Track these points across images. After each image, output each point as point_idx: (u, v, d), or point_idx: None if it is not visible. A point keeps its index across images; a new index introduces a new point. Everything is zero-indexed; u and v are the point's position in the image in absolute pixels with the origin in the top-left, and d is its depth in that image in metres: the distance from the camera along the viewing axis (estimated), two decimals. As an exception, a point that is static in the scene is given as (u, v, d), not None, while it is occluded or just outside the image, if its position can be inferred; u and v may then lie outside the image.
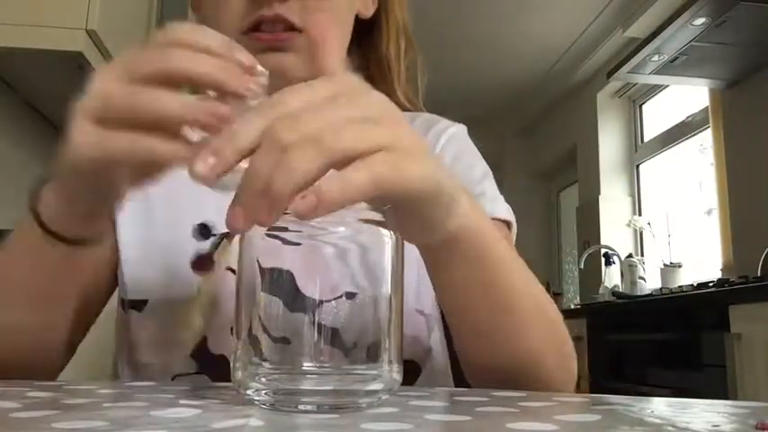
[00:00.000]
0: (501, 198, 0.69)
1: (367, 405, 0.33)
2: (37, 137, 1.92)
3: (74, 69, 1.55)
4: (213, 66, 0.34)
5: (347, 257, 0.34)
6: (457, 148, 0.72)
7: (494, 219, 0.65)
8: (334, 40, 0.63)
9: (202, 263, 0.36)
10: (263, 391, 0.33)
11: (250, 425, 0.28)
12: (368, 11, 0.69)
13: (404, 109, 0.75)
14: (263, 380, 0.33)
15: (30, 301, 0.48)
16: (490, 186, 0.69)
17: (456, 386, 0.69)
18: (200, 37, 0.35)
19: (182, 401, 0.35)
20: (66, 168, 0.38)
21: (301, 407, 0.32)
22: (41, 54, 1.47)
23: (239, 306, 0.35)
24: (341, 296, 0.34)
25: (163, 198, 0.63)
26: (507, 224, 0.67)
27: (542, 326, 0.50)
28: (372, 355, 0.34)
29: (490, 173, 0.72)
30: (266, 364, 0.33)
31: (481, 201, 0.66)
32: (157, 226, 0.63)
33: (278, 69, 0.59)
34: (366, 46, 0.73)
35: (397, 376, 0.34)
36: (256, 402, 0.33)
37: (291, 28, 0.58)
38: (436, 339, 0.67)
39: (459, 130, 0.75)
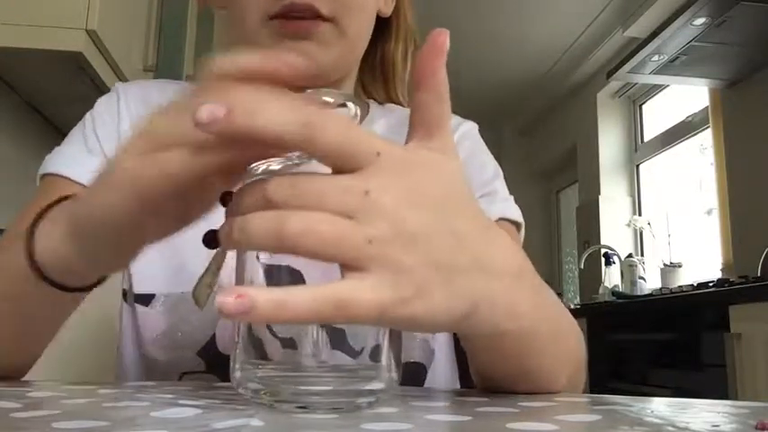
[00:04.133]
0: (511, 199, 0.69)
1: (367, 405, 0.33)
2: (37, 137, 1.92)
3: (74, 69, 1.55)
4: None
5: None
6: (470, 146, 0.72)
7: (504, 219, 0.65)
8: (359, 33, 0.62)
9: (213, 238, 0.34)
10: (263, 391, 0.33)
11: (250, 425, 0.28)
12: (388, 9, 0.69)
13: (398, 104, 0.76)
14: (264, 379, 0.33)
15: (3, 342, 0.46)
16: (501, 187, 0.69)
17: (462, 384, 0.69)
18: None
19: (182, 401, 0.35)
20: (106, 204, 0.33)
21: (301, 406, 0.32)
22: (41, 54, 1.47)
23: None
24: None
25: None
26: (517, 225, 0.67)
27: (566, 372, 0.47)
28: (372, 354, 0.34)
29: (501, 173, 0.72)
30: (266, 364, 0.33)
31: (492, 200, 0.66)
32: None
33: (303, 55, 0.59)
34: (373, 44, 0.73)
35: (396, 376, 0.34)
36: (255, 402, 0.33)
37: (319, 16, 0.57)
38: (443, 341, 0.67)
39: (472, 127, 0.75)
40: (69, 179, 0.59)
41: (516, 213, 0.67)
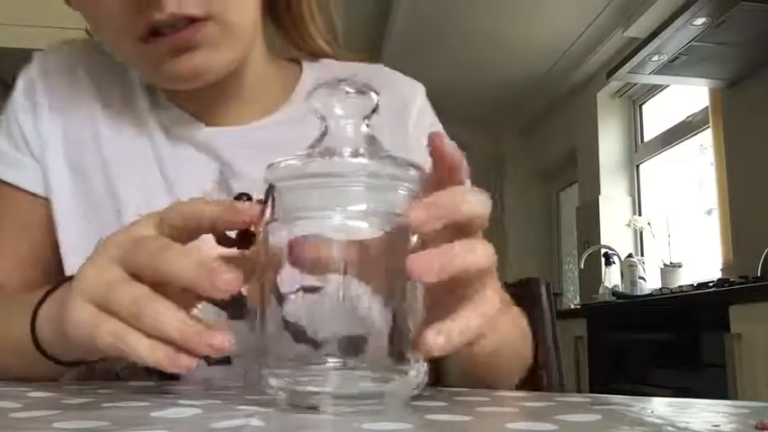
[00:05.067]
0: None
1: (389, 406, 0.33)
2: (37, 137, 1.91)
3: (74, 69, 1.55)
4: (193, 273, 0.34)
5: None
6: (430, 125, 0.69)
7: None
8: (246, 14, 0.54)
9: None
10: (285, 390, 0.33)
11: (250, 425, 0.28)
12: None
13: (324, 55, 0.70)
14: (287, 379, 0.33)
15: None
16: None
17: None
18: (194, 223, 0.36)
19: (182, 401, 0.35)
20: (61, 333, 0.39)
21: (315, 407, 0.32)
22: (41, 54, 1.47)
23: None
24: (298, 290, 0.34)
25: (107, 199, 0.60)
26: None
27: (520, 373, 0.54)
28: (395, 357, 0.33)
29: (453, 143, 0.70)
30: (290, 364, 0.33)
31: None
32: (108, 226, 0.52)
33: (193, 72, 0.53)
34: None
35: (423, 378, 0.34)
36: (279, 400, 0.33)
37: (193, 19, 0.49)
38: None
39: (424, 98, 0.70)
40: (11, 186, 0.61)
41: None
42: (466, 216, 0.33)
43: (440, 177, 0.36)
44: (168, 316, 0.34)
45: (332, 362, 0.33)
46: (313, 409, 0.32)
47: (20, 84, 0.64)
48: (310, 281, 0.34)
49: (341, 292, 0.33)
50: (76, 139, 0.61)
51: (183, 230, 0.37)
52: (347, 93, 0.35)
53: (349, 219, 0.33)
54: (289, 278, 0.34)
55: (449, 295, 0.34)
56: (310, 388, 0.32)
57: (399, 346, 0.34)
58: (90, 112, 0.62)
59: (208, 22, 0.50)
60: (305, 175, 0.33)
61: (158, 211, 0.38)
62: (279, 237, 0.34)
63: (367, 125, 0.36)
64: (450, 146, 0.36)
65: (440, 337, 0.32)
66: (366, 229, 0.33)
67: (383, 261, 0.34)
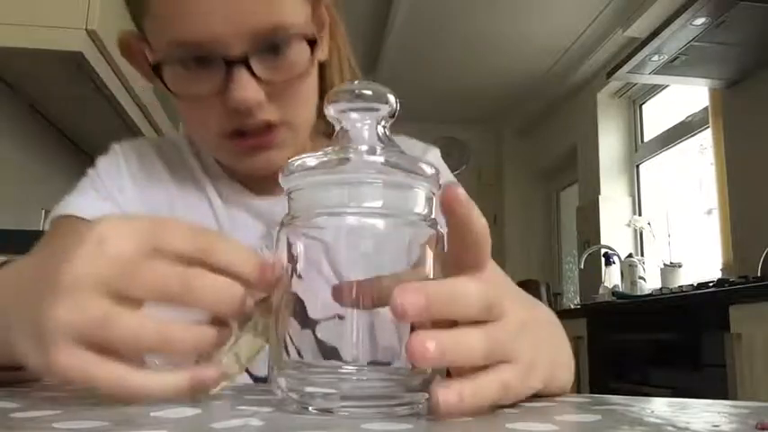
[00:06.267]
0: None
1: (401, 412, 0.32)
2: (37, 137, 1.92)
3: (74, 69, 1.55)
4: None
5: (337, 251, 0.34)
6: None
7: None
8: (311, 111, 0.64)
9: None
10: (297, 393, 0.32)
11: (250, 425, 0.28)
12: (324, 55, 0.69)
13: None
14: (300, 381, 0.32)
15: None
16: None
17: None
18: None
19: (182, 401, 0.35)
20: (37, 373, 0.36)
21: (343, 412, 0.31)
22: (41, 54, 1.47)
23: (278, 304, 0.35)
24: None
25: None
26: None
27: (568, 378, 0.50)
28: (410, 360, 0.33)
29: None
30: (305, 366, 0.33)
31: None
32: None
33: (266, 167, 0.63)
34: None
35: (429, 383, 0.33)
36: (295, 401, 0.33)
37: (270, 124, 0.60)
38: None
39: (436, 155, 0.76)
40: (85, 219, 0.63)
41: None
42: (458, 314, 0.32)
43: (458, 256, 0.34)
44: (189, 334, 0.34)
45: (344, 365, 0.32)
46: (322, 410, 0.32)
47: (101, 161, 0.71)
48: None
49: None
50: (154, 209, 0.68)
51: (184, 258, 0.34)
52: (364, 96, 0.35)
53: (365, 216, 0.33)
54: (300, 284, 0.34)
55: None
56: (321, 389, 0.32)
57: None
58: (165, 188, 0.70)
59: (281, 127, 0.60)
60: (320, 173, 0.33)
61: (148, 230, 0.34)
62: (294, 239, 0.34)
63: (384, 127, 0.35)
64: (464, 197, 0.33)
65: (451, 396, 0.30)
66: (382, 227, 0.33)
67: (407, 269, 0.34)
